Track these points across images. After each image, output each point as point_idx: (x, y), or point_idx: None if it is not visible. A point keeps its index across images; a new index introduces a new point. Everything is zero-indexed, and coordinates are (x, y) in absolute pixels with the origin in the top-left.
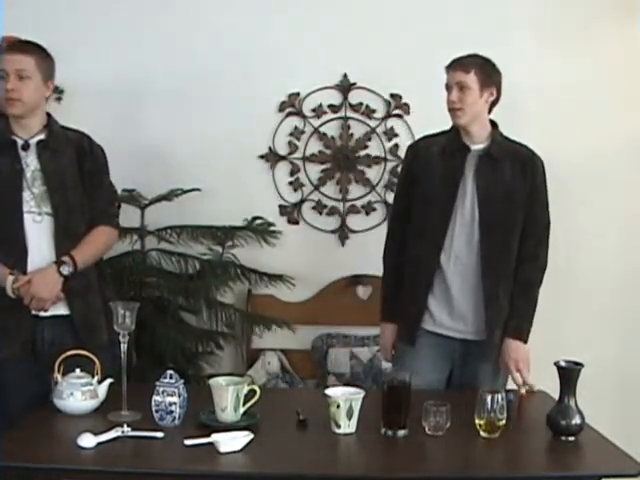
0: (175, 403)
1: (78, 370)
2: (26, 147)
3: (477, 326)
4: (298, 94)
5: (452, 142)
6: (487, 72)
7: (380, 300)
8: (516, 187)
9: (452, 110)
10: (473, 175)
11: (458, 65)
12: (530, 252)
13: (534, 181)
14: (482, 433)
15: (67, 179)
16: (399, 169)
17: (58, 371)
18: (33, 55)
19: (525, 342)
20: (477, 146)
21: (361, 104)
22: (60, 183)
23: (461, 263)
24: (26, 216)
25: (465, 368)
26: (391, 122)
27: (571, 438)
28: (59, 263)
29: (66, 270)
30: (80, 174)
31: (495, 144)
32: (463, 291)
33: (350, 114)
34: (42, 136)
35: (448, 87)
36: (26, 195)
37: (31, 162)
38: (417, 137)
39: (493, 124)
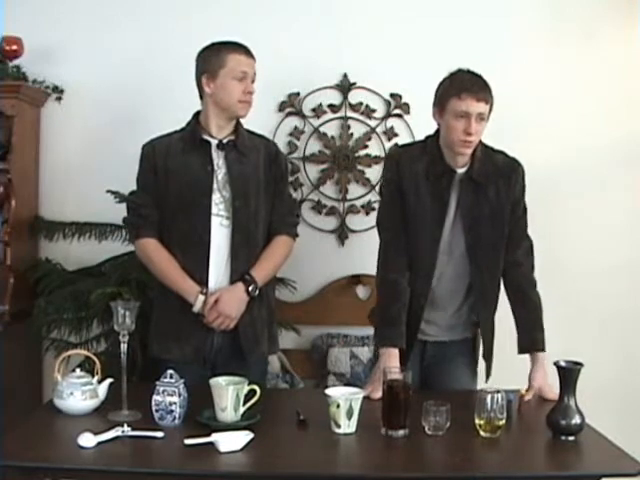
0: (175, 403)
1: (78, 370)
2: (222, 147)
3: (460, 335)
4: (298, 94)
5: (436, 164)
6: (493, 98)
7: (379, 323)
8: (502, 205)
9: (465, 142)
10: (457, 201)
11: (482, 94)
12: (512, 259)
13: (516, 192)
14: (482, 433)
15: (251, 183)
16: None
17: (58, 371)
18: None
19: (544, 350)
20: (462, 169)
21: (361, 104)
22: (243, 187)
23: (449, 289)
24: (213, 219)
25: (439, 367)
26: (391, 122)
27: (571, 438)
28: (248, 283)
29: (253, 290)
30: (265, 180)
31: (477, 163)
32: (452, 309)
33: (350, 114)
34: (232, 137)
35: (464, 115)
36: (215, 198)
37: (222, 164)
38: (417, 137)
39: None
